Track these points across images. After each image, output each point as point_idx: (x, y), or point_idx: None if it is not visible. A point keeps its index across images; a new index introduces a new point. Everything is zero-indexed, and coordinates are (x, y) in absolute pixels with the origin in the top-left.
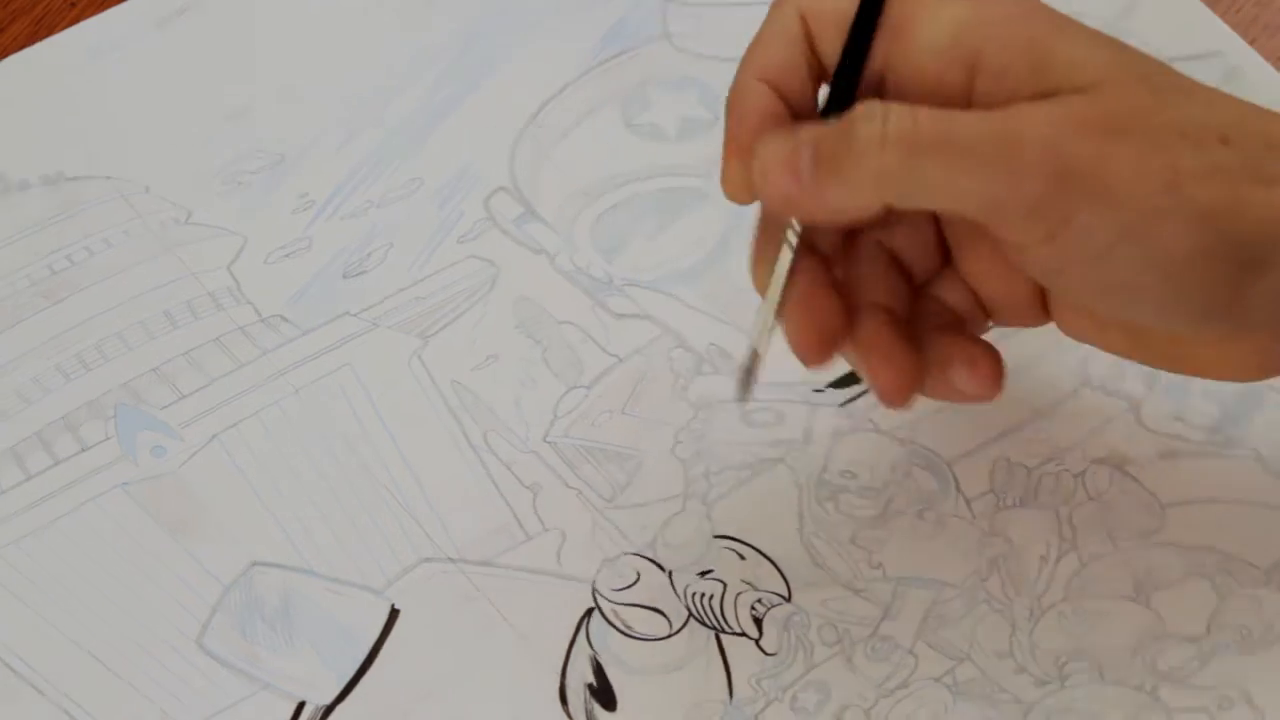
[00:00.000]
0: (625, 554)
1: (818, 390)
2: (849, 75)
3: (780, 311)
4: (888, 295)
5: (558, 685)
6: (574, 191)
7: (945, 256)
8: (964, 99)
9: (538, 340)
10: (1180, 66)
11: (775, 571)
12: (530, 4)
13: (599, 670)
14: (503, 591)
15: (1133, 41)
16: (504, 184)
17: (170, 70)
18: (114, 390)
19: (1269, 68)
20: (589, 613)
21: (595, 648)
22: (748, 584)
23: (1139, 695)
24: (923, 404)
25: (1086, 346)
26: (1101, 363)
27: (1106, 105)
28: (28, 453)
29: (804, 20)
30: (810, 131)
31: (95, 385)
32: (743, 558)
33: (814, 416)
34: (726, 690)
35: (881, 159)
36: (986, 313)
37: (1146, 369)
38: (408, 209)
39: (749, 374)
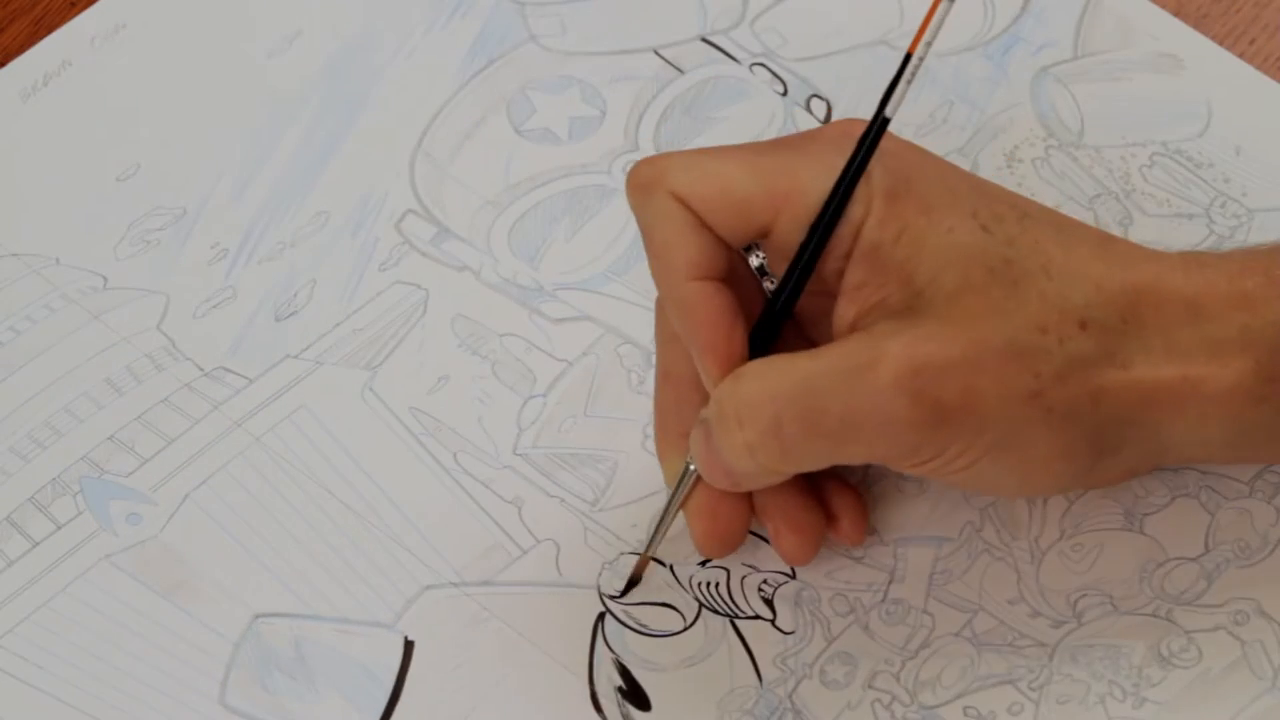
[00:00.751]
0: (623, 554)
1: None
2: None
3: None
4: None
5: (588, 693)
6: (481, 204)
7: None
8: (835, 274)
9: (484, 355)
10: None
11: (773, 551)
12: (389, 27)
13: (625, 672)
14: (511, 608)
15: None
16: (412, 206)
17: (48, 140)
18: (75, 464)
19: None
20: (601, 616)
21: (615, 650)
22: (751, 566)
23: (1155, 621)
24: None
25: None
26: None
27: (968, 327)
28: (4, 539)
29: (683, 203)
30: (704, 412)
31: (55, 463)
32: None
33: None
34: (754, 674)
35: (757, 459)
36: None
37: None
38: (322, 243)
39: (635, 578)
